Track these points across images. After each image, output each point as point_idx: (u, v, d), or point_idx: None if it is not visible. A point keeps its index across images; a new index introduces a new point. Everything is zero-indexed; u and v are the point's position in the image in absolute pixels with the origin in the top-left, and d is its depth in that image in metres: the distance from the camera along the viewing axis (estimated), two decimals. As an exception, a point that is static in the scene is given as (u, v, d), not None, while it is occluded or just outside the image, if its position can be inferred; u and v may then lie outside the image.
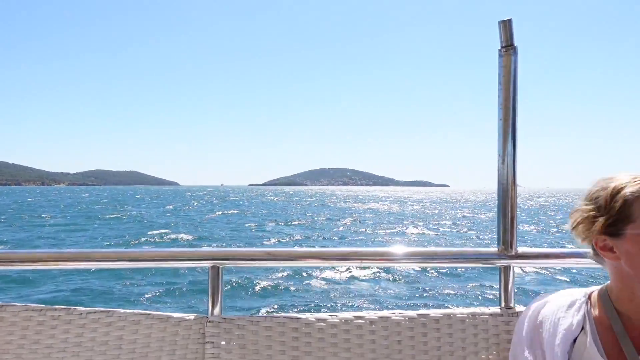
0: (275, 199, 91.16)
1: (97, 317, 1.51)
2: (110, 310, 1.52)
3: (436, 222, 34.98)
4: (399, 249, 1.62)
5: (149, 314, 1.54)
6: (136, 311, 1.55)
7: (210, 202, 72.36)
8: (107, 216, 37.20)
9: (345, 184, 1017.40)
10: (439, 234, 25.98)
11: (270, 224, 32.08)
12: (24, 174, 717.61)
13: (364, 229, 27.87)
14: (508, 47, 1.47)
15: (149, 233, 24.63)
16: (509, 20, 1.45)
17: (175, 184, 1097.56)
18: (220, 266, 1.57)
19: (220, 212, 44.22)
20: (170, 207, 53.97)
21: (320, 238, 23.64)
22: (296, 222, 33.50)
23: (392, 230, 27.61)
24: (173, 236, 22.52)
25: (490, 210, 51.13)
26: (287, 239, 22.66)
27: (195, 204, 64.17)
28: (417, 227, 29.42)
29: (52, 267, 1.60)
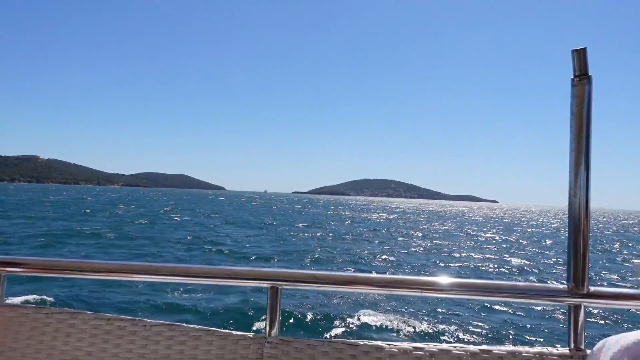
0: (280, 205, 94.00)
1: (161, 330, 1.58)
2: (173, 324, 1.58)
3: (383, 232, 34.24)
4: (460, 281, 1.58)
5: (209, 330, 1.59)
6: (197, 327, 1.60)
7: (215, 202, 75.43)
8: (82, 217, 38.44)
9: (389, 195, 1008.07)
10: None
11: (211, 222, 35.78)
12: (83, 174, 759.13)
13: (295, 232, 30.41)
14: (582, 77, 1.41)
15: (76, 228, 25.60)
16: (584, 50, 1.39)
17: (222, 188, 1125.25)
18: (280, 287, 1.59)
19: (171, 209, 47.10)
20: (169, 209, 55.77)
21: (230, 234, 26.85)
22: (241, 223, 36.13)
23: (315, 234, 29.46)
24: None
25: (485, 228, 46.43)
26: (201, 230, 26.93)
27: (187, 205, 65.62)
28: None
29: (122, 278, 1.67)
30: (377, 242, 27.01)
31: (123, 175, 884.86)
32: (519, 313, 10.74)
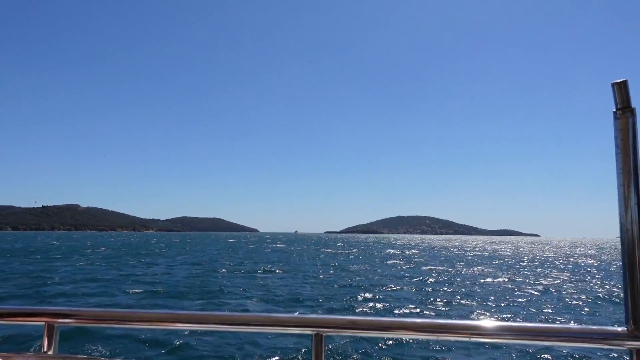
0: (278, 245, 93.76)
1: None
2: None
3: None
4: (510, 324, 1.52)
5: None
6: None
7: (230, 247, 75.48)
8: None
9: (423, 232, 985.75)
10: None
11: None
12: (119, 220, 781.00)
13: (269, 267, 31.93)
14: (624, 110, 1.40)
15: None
16: (624, 82, 1.39)
17: (255, 230, 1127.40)
18: (324, 334, 1.57)
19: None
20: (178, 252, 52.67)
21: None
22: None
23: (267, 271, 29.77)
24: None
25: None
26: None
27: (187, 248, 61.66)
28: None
29: (169, 327, 1.68)
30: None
31: (158, 220, 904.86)
32: (575, 357, 9.89)
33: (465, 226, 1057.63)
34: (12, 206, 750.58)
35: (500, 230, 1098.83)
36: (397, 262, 40.12)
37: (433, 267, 34.23)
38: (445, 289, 21.20)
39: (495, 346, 10.23)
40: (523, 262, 43.19)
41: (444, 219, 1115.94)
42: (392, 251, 62.27)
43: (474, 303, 17.30)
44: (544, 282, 24.49)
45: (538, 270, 33.24)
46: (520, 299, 18.37)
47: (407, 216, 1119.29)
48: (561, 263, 42.64)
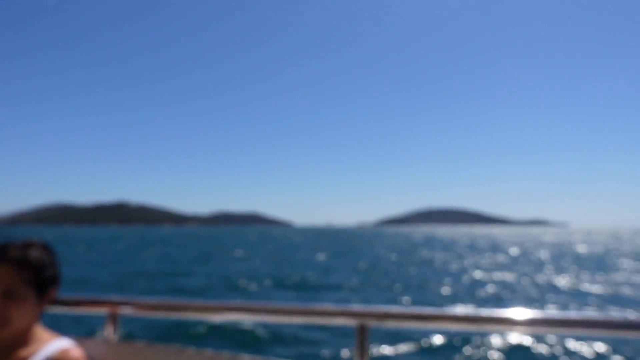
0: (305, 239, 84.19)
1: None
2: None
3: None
4: (546, 314, 1.46)
5: None
6: None
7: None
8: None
9: (454, 223, 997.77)
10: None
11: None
12: (161, 216, 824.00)
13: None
14: None
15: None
16: None
17: (290, 224, 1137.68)
18: (368, 325, 1.54)
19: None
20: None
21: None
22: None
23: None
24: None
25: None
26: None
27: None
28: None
29: (220, 316, 1.75)
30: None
31: (199, 216, 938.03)
32: (620, 347, 8.62)
33: (495, 217, 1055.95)
34: (72, 205, 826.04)
35: (531, 219, 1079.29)
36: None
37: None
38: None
39: (536, 336, 9.35)
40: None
41: (475, 210, 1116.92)
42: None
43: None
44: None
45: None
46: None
47: (439, 208, 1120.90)
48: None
